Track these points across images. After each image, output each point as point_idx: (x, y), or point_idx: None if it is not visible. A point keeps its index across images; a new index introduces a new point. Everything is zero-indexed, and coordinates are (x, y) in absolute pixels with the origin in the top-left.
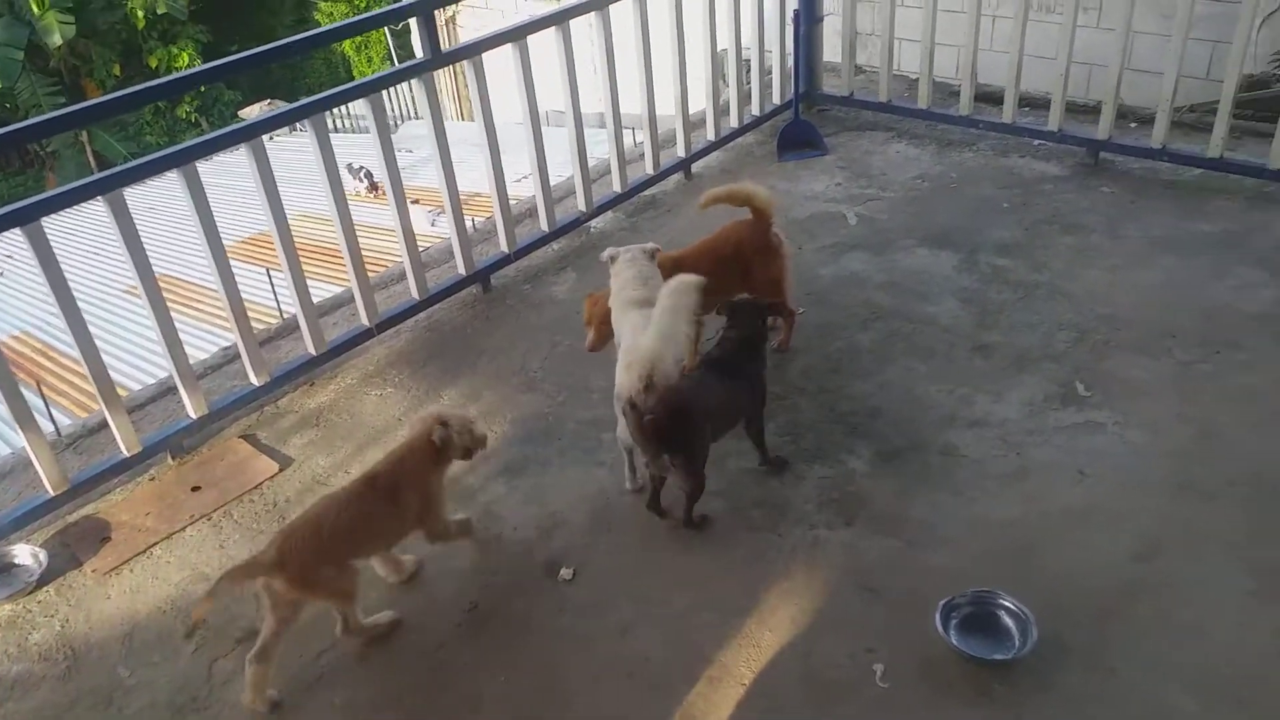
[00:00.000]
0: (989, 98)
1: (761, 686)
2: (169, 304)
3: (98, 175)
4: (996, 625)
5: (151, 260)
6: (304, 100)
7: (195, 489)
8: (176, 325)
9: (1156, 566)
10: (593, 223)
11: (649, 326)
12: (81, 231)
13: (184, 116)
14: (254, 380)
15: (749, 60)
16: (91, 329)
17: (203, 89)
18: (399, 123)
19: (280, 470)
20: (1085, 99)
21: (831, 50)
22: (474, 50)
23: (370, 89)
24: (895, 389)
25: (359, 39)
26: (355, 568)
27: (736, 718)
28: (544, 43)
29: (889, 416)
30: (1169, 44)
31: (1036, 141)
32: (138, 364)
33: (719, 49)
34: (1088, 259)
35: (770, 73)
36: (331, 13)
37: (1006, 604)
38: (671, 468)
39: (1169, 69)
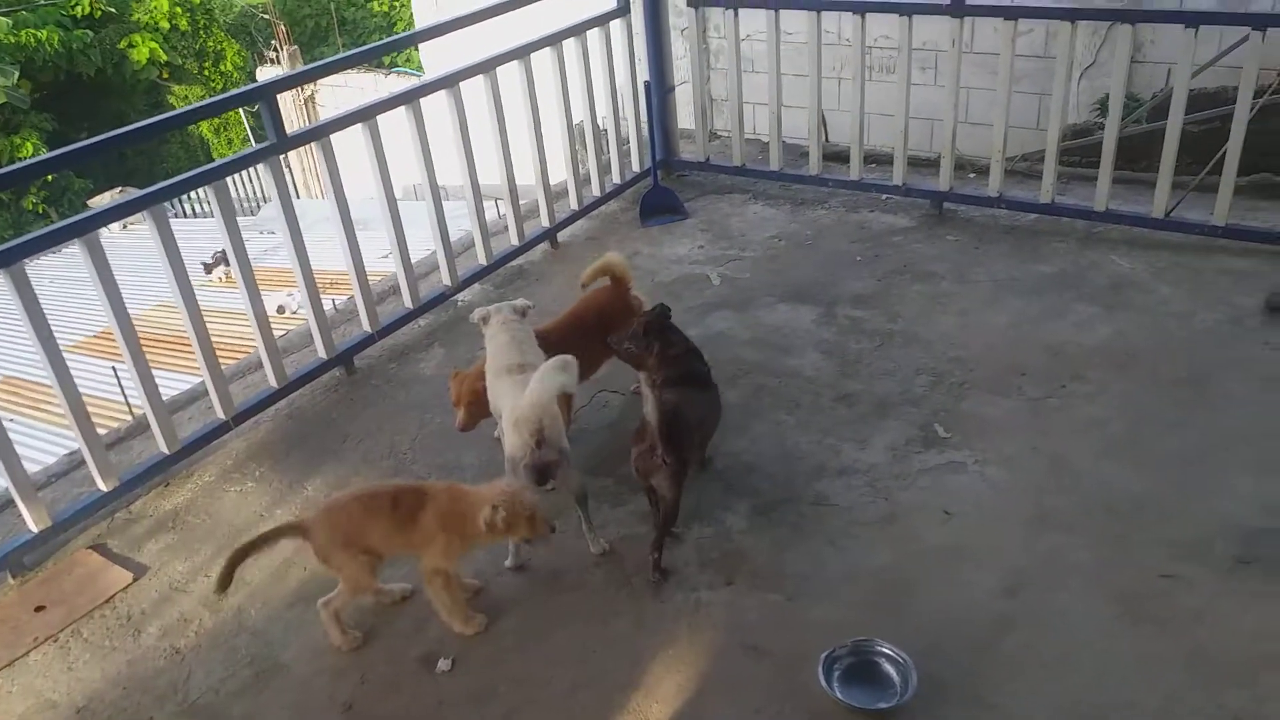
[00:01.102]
0: (837, 156)
1: None
2: (13, 407)
3: None
4: (877, 673)
5: None
6: (143, 191)
7: (39, 609)
8: (20, 430)
9: (1023, 600)
10: (460, 296)
11: (529, 386)
12: None
13: (31, 208)
14: (101, 485)
15: (606, 130)
16: None
17: (50, 179)
18: (259, 204)
19: (134, 580)
20: (927, 152)
21: (686, 117)
22: (321, 132)
23: (215, 175)
24: (766, 442)
25: (217, 121)
26: (367, 561)
27: None
28: (397, 120)
29: (762, 470)
30: (996, 98)
31: (884, 196)
32: None
33: (575, 120)
34: (939, 305)
35: (628, 142)
36: (186, 95)
37: (886, 651)
38: (663, 482)
39: (998, 121)
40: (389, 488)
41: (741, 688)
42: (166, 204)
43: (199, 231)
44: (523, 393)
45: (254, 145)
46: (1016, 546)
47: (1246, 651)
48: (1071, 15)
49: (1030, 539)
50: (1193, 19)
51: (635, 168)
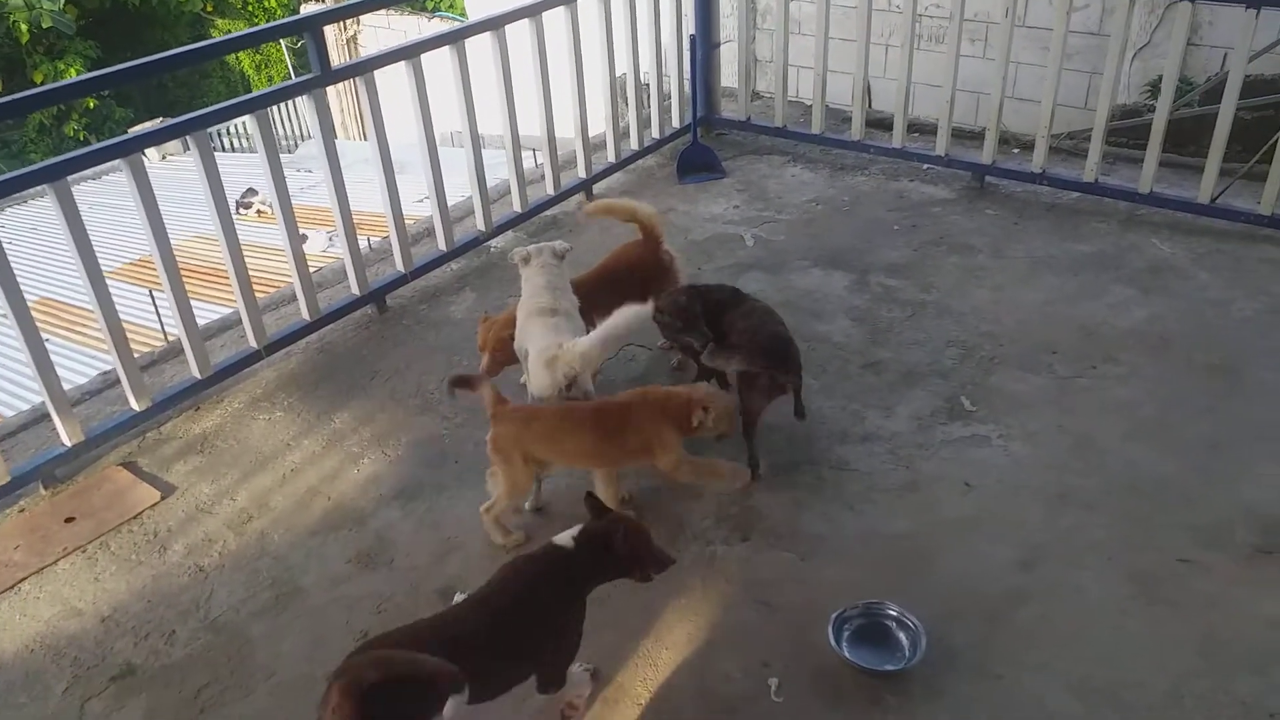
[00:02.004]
0: (880, 123)
1: (658, 704)
2: (50, 328)
3: None
4: (887, 636)
5: (34, 282)
6: (186, 115)
7: (69, 520)
8: (56, 350)
9: (1039, 574)
10: (492, 242)
11: (592, 334)
12: None
13: (72, 135)
14: (134, 405)
15: (648, 84)
16: None
17: (92, 105)
18: (298, 143)
19: (162, 498)
20: (971, 125)
21: (729, 76)
22: (366, 67)
23: (258, 105)
24: (788, 405)
25: (259, 58)
26: (533, 470)
27: None
28: (440, 62)
29: (784, 432)
30: (1046, 74)
31: (925, 166)
32: (11, 390)
33: (618, 73)
34: (974, 278)
35: (669, 97)
36: (229, 30)
37: (896, 615)
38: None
39: (1046, 98)
40: (587, 406)
41: (750, 641)
42: (209, 132)
43: (236, 165)
44: (553, 335)
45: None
46: (1036, 522)
47: (1260, 640)
48: None
49: (1050, 515)
50: (1255, 0)
51: (675, 123)
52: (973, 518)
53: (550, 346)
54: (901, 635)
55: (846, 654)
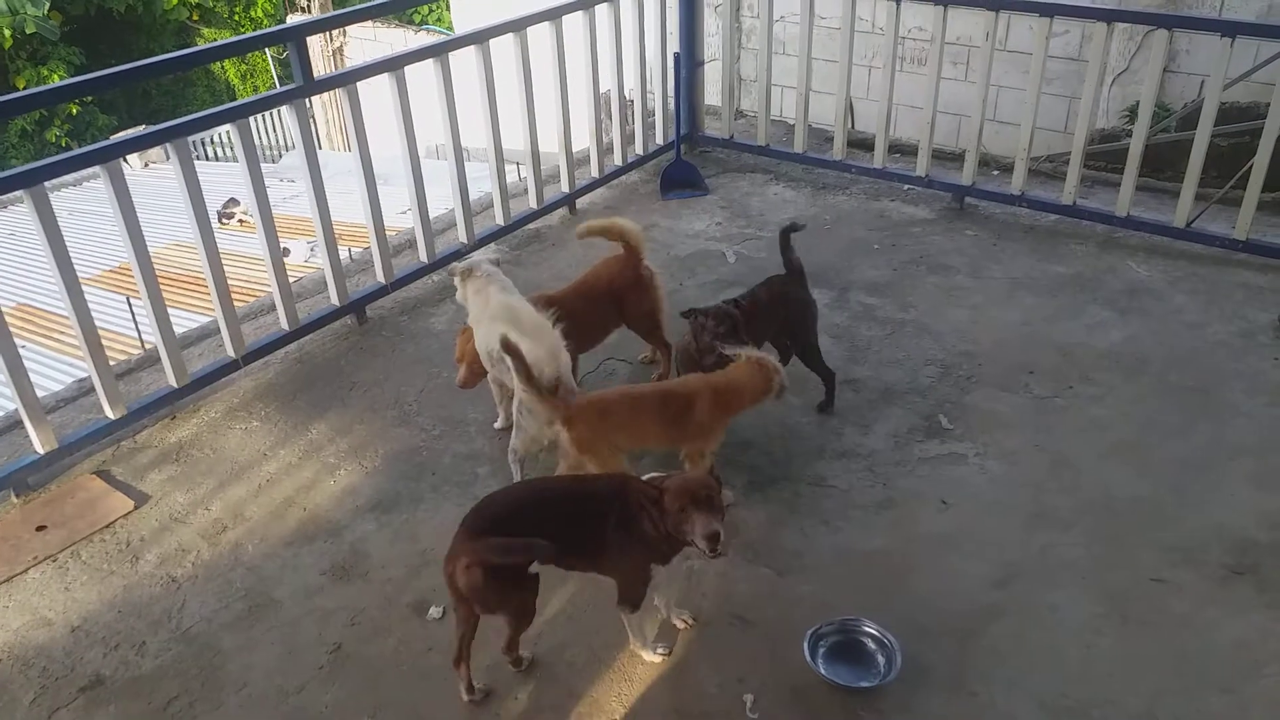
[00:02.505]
0: (862, 144)
1: (632, 719)
2: (25, 334)
3: None
4: (863, 652)
5: (10, 288)
6: (167, 123)
7: (40, 528)
8: (31, 356)
9: (1013, 592)
10: (474, 255)
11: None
12: None
13: (53, 141)
14: (109, 413)
15: (632, 101)
16: None
17: (75, 111)
18: (281, 153)
19: (135, 508)
20: (952, 147)
21: (713, 94)
22: (348, 78)
23: (239, 114)
24: (767, 420)
25: (245, 68)
26: (620, 455)
27: None
28: (425, 75)
29: (761, 447)
30: (1026, 97)
31: (906, 186)
32: None
33: (603, 89)
34: (952, 298)
35: (654, 114)
36: (215, 39)
37: (872, 631)
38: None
39: (1026, 121)
40: (653, 390)
41: (727, 656)
42: (189, 141)
43: (218, 175)
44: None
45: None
46: (1011, 540)
47: (1231, 659)
48: (1108, 17)
49: (1025, 534)
50: (1230, 29)
51: (659, 140)
52: (949, 535)
53: (532, 358)
54: (877, 651)
55: (822, 670)
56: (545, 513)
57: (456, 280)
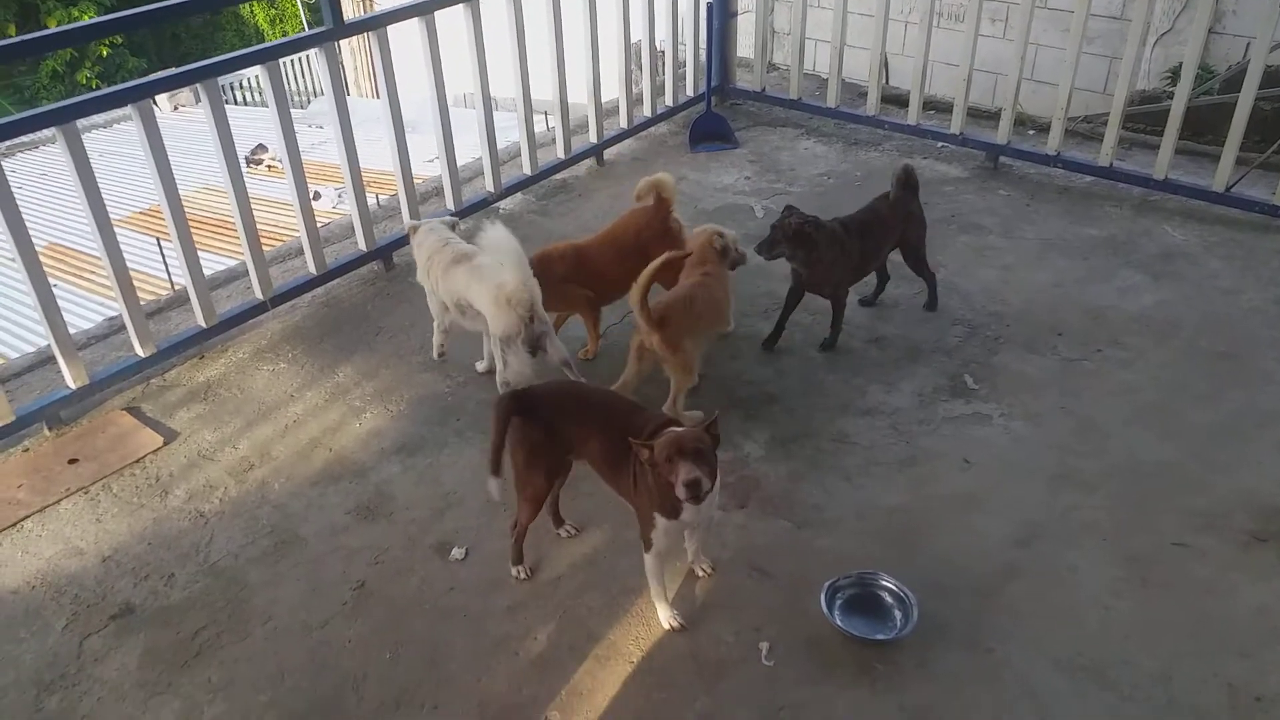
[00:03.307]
0: (896, 100)
1: (649, 664)
2: (57, 273)
3: None
4: (879, 606)
5: (43, 228)
6: (197, 63)
7: (72, 461)
8: (63, 295)
9: (1034, 552)
10: (501, 204)
11: (508, 265)
12: None
13: (84, 82)
14: (139, 351)
15: (663, 51)
16: None
17: (105, 53)
18: (310, 100)
19: (164, 444)
20: (988, 105)
21: (745, 46)
22: (379, 22)
23: (268, 56)
24: (792, 377)
25: (274, 12)
26: (700, 345)
27: (623, 694)
28: (455, 21)
29: (785, 403)
30: (1065, 56)
31: (940, 144)
32: (18, 333)
33: (634, 39)
34: (983, 258)
35: (684, 65)
36: None
37: (890, 586)
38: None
39: (1065, 80)
40: (713, 278)
41: (744, 606)
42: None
43: (247, 120)
44: (479, 277)
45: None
46: (1033, 500)
47: (1250, 625)
48: None
49: (1048, 495)
50: None
51: (689, 92)
52: (970, 494)
53: (504, 285)
54: (893, 605)
55: (838, 622)
56: (587, 412)
57: (411, 236)
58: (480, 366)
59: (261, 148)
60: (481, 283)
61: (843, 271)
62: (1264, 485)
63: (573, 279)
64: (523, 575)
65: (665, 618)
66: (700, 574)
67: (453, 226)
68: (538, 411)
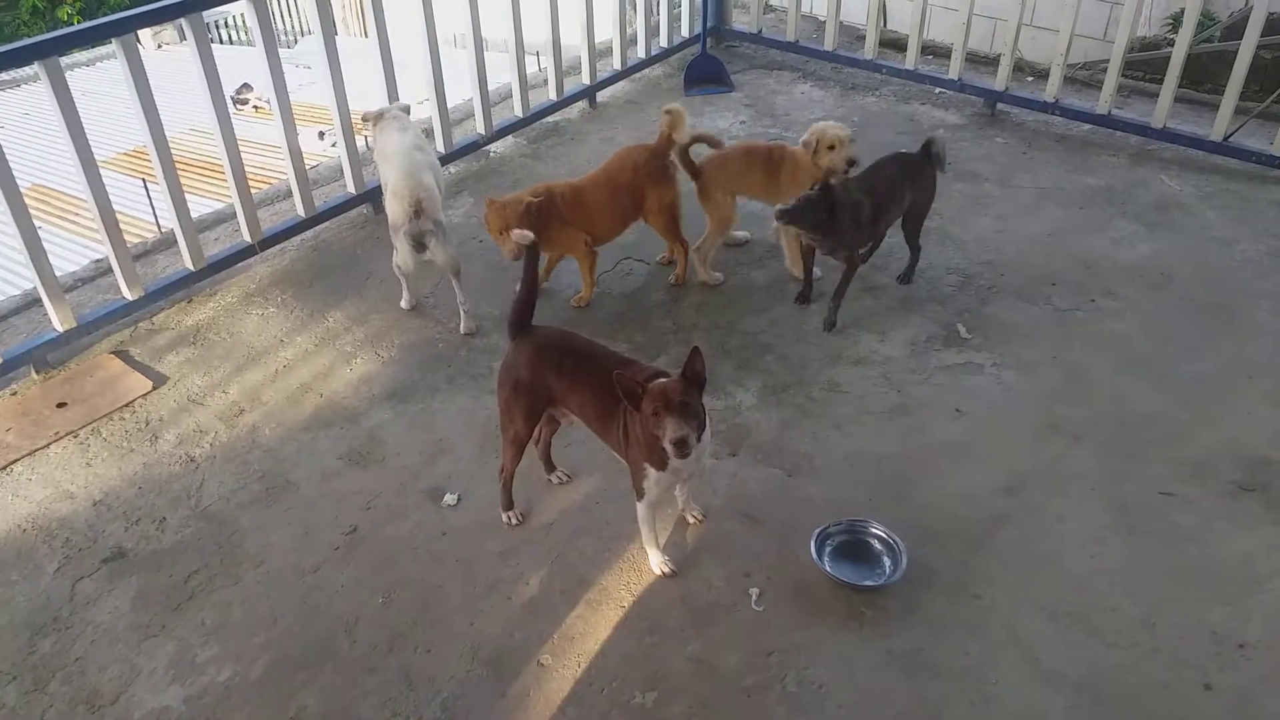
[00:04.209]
0: (894, 44)
1: (640, 609)
2: (42, 215)
3: None
4: (869, 553)
5: (26, 169)
6: None
7: (61, 405)
8: (49, 237)
9: (1022, 500)
10: (492, 147)
11: (398, 160)
12: None
13: (65, 19)
14: (127, 294)
15: None
16: None
17: None
18: (297, 39)
19: (154, 388)
20: (987, 51)
21: None
22: None
23: None
24: (785, 325)
25: None
26: (733, 203)
27: (614, 638)
28: None
29: (777, 352)
30: (1065, 2)
31: (938, 90)
32: (4, 276)
33: None
34: (978, 207)
35: (679, 5)
36: None
37: (879, 533)
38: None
39: (1065, 26)
40: (763, 145)
41: (734, 552)
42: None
43: (233, 59)
44: (386, 166)
45: None
46: (1022, 449)
47: (1234, 573)
48: None
49: (1037, 444)
50: None
51: (684, 33)
52: (961, 443)
53: (395, 180)
54: (882, 552)
55: (828, 568)
56: (574, 360)
57: (367, 126)
58: (404, 304)
59: (247, 87)
60: (384, 172)
61: (854, 234)
62: (1251, 436)
63: (571, 221)
64: (514, 521)
65: (656, 563)
66: (691, 520)
67: (406, 110)
68: (526, 347)
